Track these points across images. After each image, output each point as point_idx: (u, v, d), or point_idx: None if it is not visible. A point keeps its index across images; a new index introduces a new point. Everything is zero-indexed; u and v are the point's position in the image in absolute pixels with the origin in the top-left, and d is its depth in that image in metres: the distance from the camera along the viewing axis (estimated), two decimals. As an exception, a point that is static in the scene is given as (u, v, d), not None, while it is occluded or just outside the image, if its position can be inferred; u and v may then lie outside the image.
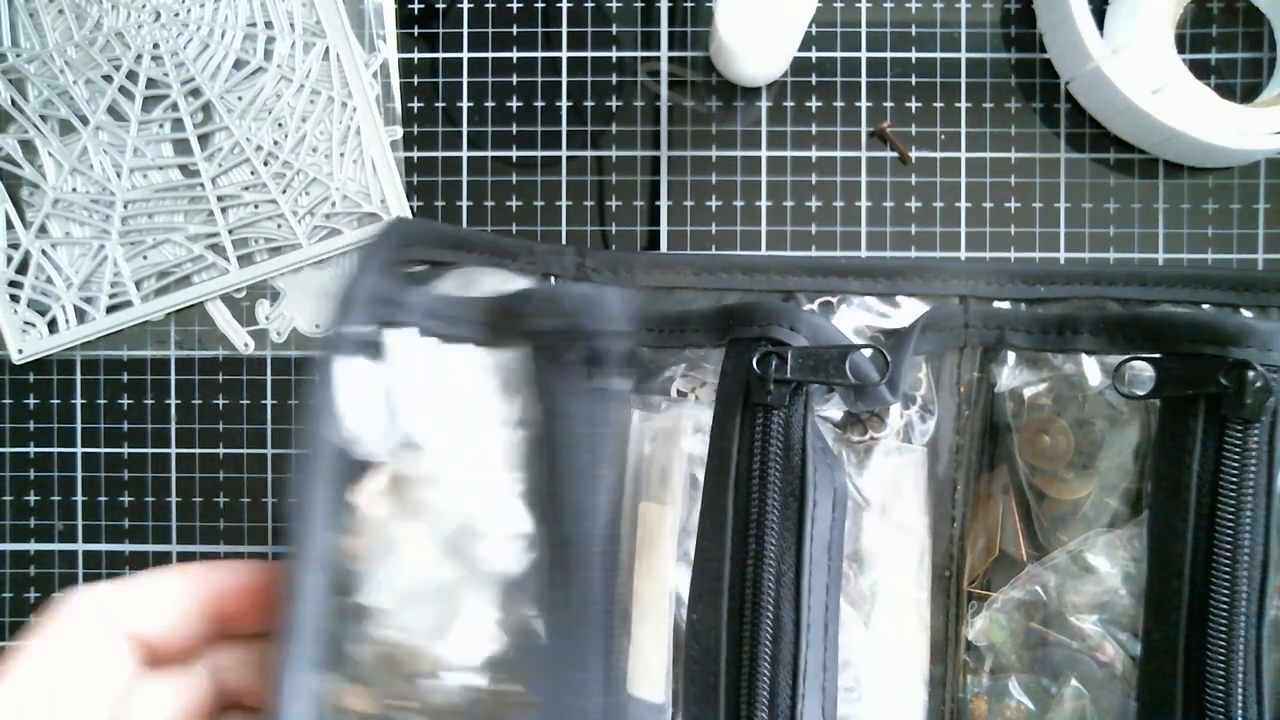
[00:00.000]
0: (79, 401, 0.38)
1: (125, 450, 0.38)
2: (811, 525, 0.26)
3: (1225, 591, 0.24)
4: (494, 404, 0.26)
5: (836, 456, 0.29)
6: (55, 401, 0.38)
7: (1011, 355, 0.30)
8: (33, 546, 0.38)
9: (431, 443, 0.25)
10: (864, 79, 0.37)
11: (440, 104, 0.37)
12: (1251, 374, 0.24)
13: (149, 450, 0.38)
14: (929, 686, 0.31)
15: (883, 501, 0.30)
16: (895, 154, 0.37)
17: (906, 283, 0.30)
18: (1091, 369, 0.29)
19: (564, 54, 0.37)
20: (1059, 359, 0.29)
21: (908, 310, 0.30)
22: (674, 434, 0.30)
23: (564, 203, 0.37)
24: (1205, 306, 0.29)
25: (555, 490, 0.25)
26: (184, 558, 0.38)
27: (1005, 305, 0.30)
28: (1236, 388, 0.24)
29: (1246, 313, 0.28)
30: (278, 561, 0.24)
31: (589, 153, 0.37)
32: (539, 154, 0.37)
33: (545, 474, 0.25)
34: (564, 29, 0.37)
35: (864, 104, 0.37)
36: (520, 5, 0.37)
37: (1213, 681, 0.24)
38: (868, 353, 0.26)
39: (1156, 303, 0.29)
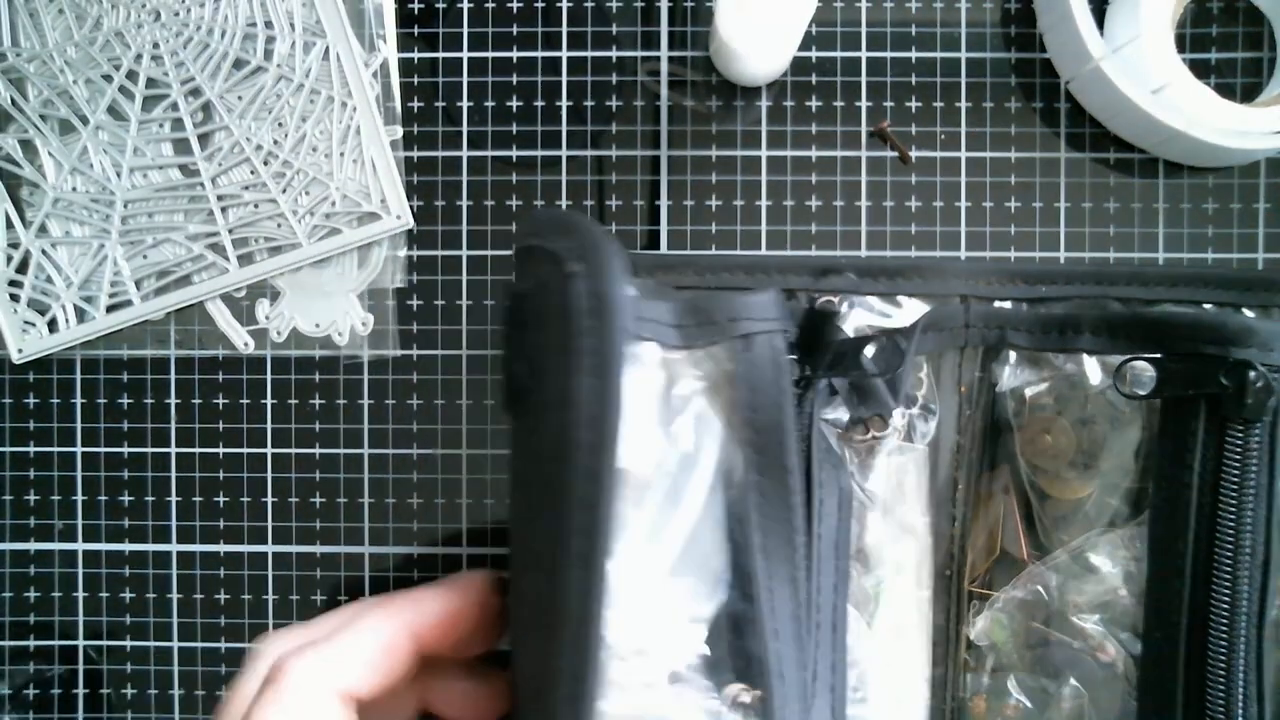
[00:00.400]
0: (79, 401, 0.38)
1: (125, 450, 0.38)
2: (819, 523, 0.26)
3: (1226, 592, 0.24)
4: (696, 407, 0.26)
5: (840, 457, 0.29)
6: (55, 401, 0.38)
7: (1013, 355, 0.30)
8: (33, 546, 0.38)
9: (655, 452, 0.25)
10: (864, 79, 0.37)
11: (440, 104, 0.37)
12: (1253, 374, 0.24)
13: (149, 450, 0.38)
14: (931, 686, 0.31)
15: (884, 501, 0.30)
16: (895, 154, 0.37)
17: (907, 282, 0.30)
18: (1093, 369, 0.29)
19: (564, 54, 0.37)
20: (1060, 358, 0.29)
21: (909, 310, 0.30)
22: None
23: (564, 203, 0.37)
24: (1207, 306, 0.29)
25: (784, 488, 0.25)
26: (184, 557, 0.38)
27: (1006, 305, 0.30)
28: (1237, 388, 0.24)
29: (1249, 313, 0.28)
30: (470, 583, 0.25)
31: (589, 153, 0.37)
32: (539, 154, 0.37)
33: (777, 471, 0.25)
34: (564, 29, 0.37)
35: (864, 104, 0.37)
36: (520, 5, 0.37)
37: (1213, 681, 0.24)
38: (872, 350, 0.27)
39: (1158, 302, 0.29)
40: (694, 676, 0.25)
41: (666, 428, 0.25)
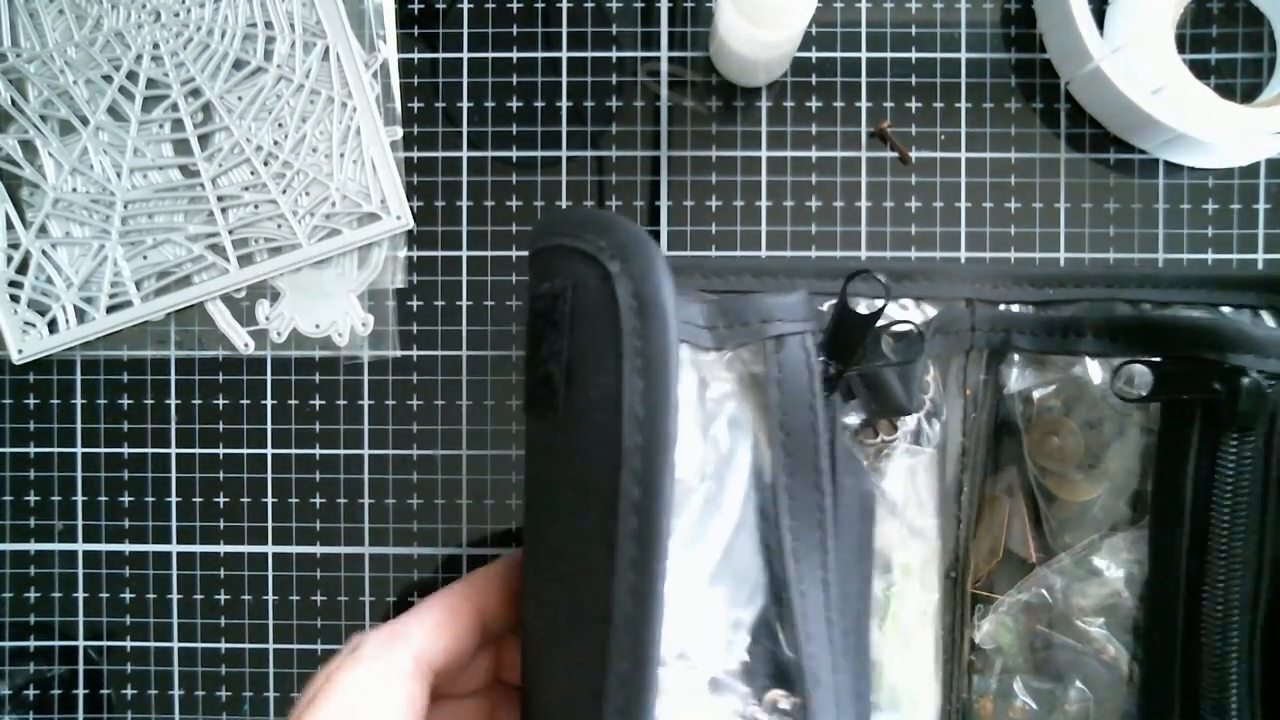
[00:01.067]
0: (79, 401, 0.38)
1: (125, 450, 0.38)
2: (843, 528, 0.26)
3: (1220, 597, 0.24)
4: (728, 410, 0.26)
5: (861, 464, 0.29)
6: (55, 401, 0.38)
7: (1018, 357, 0.30)
8: (33, 546, 0.38)
9: (696, 457, 0.25)
10: (864, 79, 0.37)
11: (440, 104, 0.37)
12: (1247, 381, 0.24)
13: (149, 450, 0.38)
14: (938, 688, 0.31)
15: (894, 504, 0.30)
16: (895, 154, 0.37)
17: (914, 285, 0.30)
18: (1096, 371, 0.29)
19: (564, 54, 0.37)
20: (1067, 361, 0.29)
21: (914, 314, 0.30)
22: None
23: (564, 203, 0.37)
24: (1225, 309, 0.29)
25: (815, 490, 0.25)
26: (184, 558, 0.38)
27: (1013, 308, 0.30)
28: (1231, 394, 0.24)
29: (1269, 319, 0.28)
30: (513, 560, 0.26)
31: (589, 153, 0.37)
32: (539, 154, 0.37)
33: (808, 473, 0.25)
34: (564, 29, 0.37)
35: (864, 104, 0.37)
36: (520, 5, 0.37)
37: (1207, 687, 0.24)
38: (892, 340, 0.27)
39: (1171, 304, 0.29)
40: (733, 683, 0.25)
41: (705, 431, 0.25)
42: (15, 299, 0.38)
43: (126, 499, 0.38)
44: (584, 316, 0.21)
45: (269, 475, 0.38)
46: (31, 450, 0.38)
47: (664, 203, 0.37)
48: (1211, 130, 0.33)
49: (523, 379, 0.24)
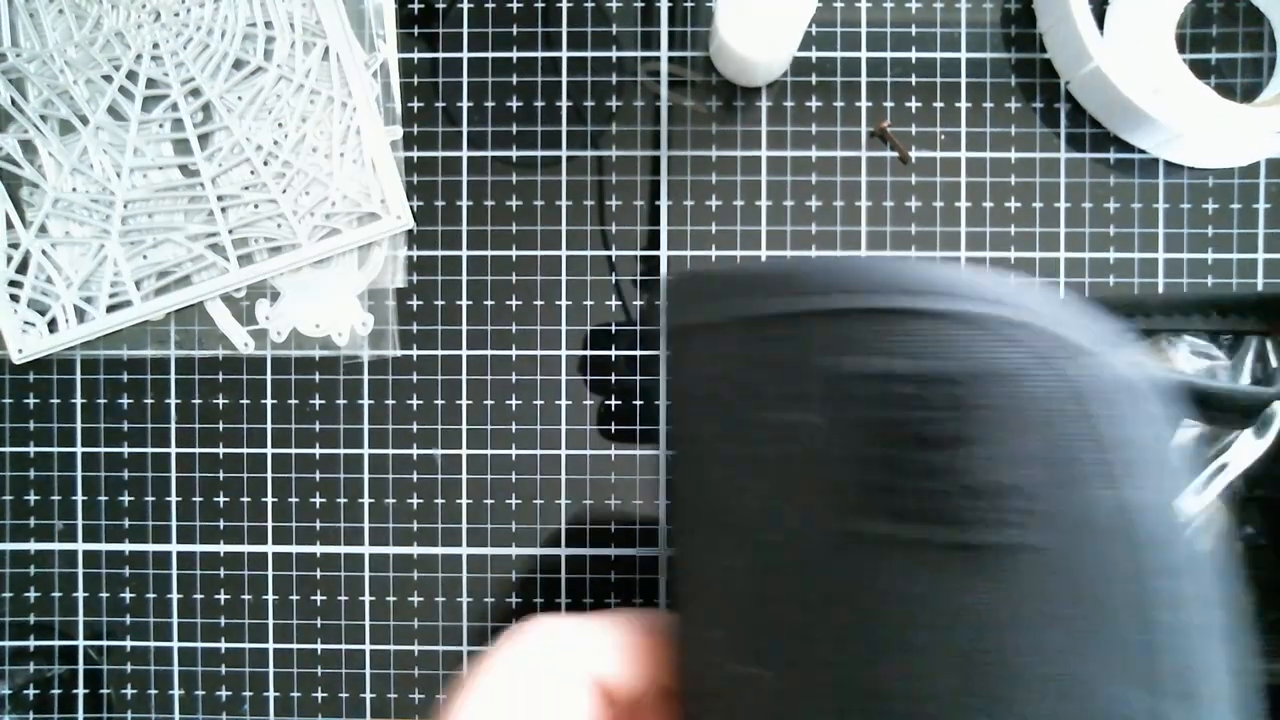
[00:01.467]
0: (79, 401, 0.38)
1: (125, 450, 0.38)
2: None
3: None
4: None
5: None
6: (55, 401, 0.38)
7: None
8: (33, 546, 0.38)
9: None
10: (864, 79, 0.37)
11: (440, 104, 0.37)
12: None
13: (149, 450, 0.38)
14: None
15: None
16: (895, 154, 0.37)
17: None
18: None
19: (564, 54, 0.37)
20: None
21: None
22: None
23: (564, 203, 0.37)
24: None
25: None
26: (184, 558, 0.38)
27: None
28: None
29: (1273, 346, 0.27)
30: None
31: (589, 153, 0.37)
32: (539, 154, 0.37)
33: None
34: (564, 29, 0.37)
35: (864, 104, 0.37)
36: (520, 5, 0.37)
37: None
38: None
39: (1157, 333, 0.28)
40: None
41: None
42: (15, 299, 0.38)
43: (126, 499, 0.38)
44: (1030, 409, 0.17)
45: (269, 475, 0.38)
46: (31, 450, 0.38)
47: (664, 203, 0.37)
48: (1211, 130, 0.33)
49: (612, 407, 0.19)
